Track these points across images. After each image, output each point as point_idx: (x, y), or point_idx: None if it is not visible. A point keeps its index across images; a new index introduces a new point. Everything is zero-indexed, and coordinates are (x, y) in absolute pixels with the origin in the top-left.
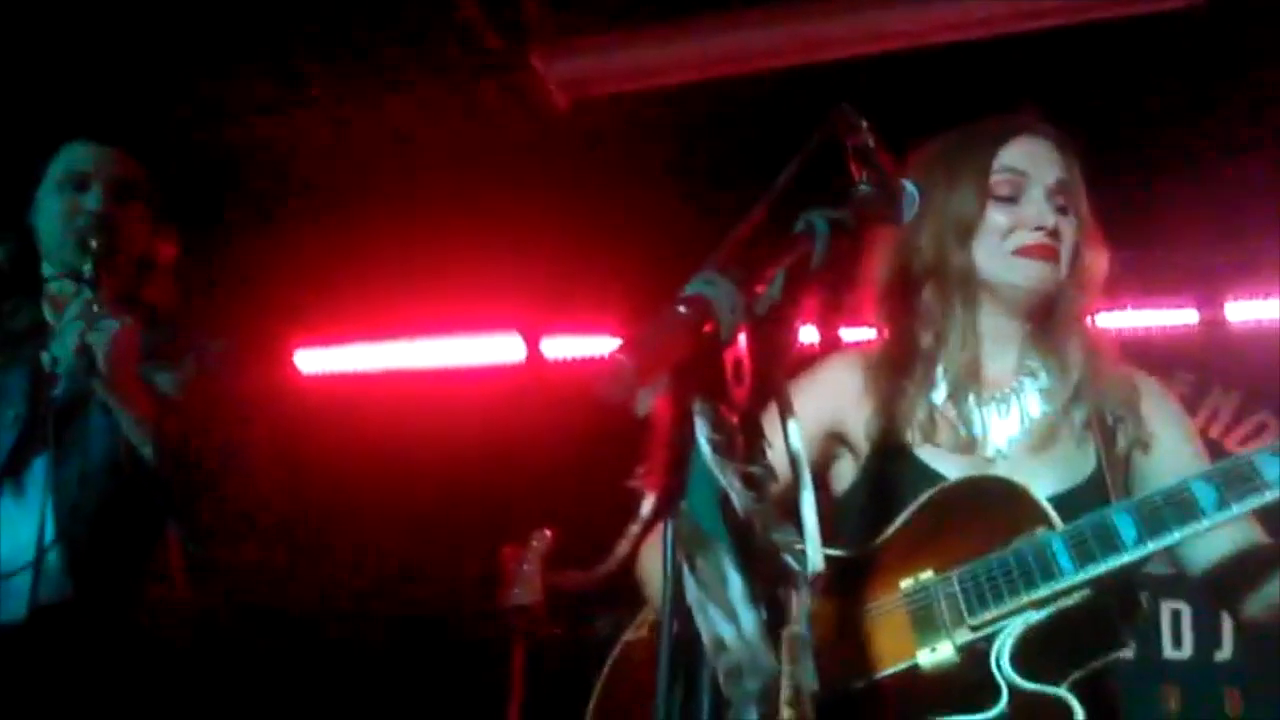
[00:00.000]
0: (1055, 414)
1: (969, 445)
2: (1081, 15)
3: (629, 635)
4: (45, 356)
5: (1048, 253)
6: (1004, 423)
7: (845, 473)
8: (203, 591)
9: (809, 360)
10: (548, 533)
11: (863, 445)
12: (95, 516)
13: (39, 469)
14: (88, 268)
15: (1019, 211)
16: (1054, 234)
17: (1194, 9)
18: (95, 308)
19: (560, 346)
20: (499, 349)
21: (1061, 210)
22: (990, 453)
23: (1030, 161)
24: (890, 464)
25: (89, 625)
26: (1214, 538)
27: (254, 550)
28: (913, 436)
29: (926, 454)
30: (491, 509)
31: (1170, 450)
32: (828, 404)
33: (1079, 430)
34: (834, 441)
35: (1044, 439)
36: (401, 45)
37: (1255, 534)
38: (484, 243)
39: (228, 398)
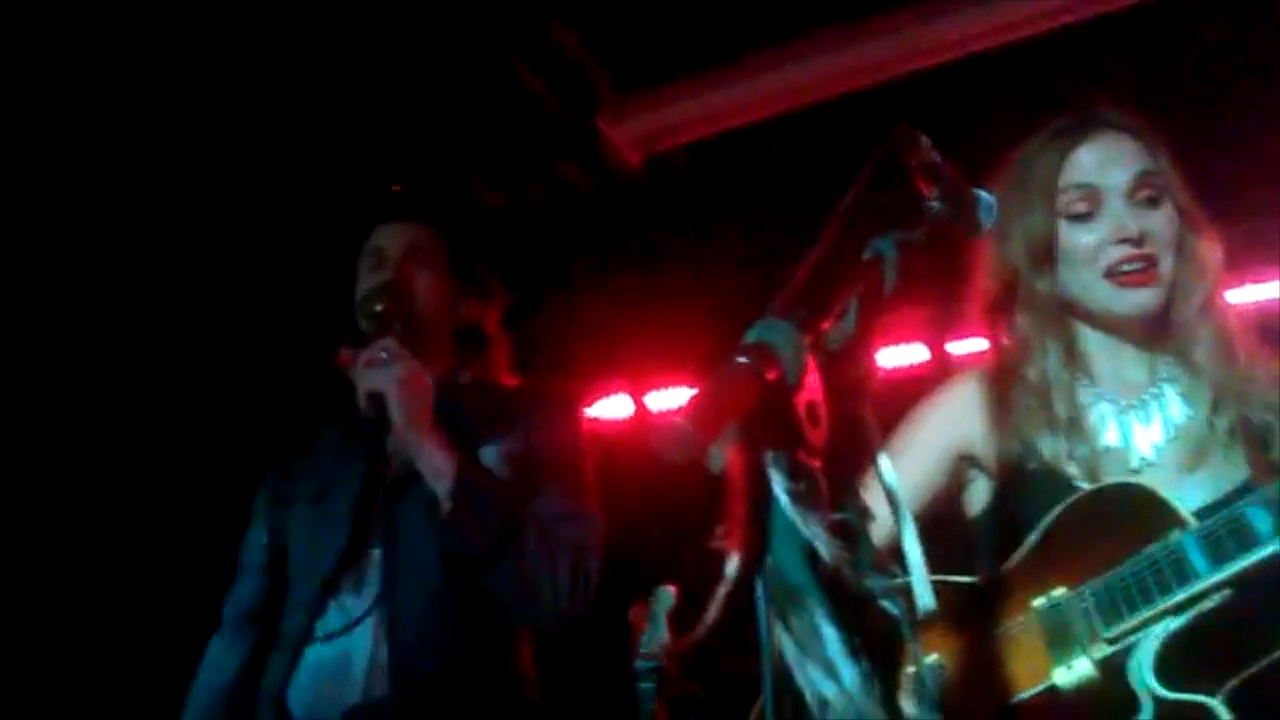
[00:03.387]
0: (1200, 420)
1: (1110, 459)
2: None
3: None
4: (389, 443)
5: (1143, 278)
6: (1147, 431)
7: (980, 495)
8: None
9: (922, 379)
10: (671, 588)
11: (994, 465)
12: (423, 606)
13: (375, 562)
14: (369, 326)
15: (1099, 227)
16: (1140, 241)
17: None
18: (383, 355)
19: (665, 400)
20: (610, 407)
21: (1151, 203)
22: (1135, 463)
23: (1100, 169)
24: (1027, 482)
25: None
26: None
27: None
28: (1049, 451)
29: (1070, 471)
30: (614, 566)
31: None
32: (953, 427)
33: (1225, 437)
34: (965, 464)
35: (1191, 446)
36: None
37: None
38: (587, 309)
39: (558, 454)
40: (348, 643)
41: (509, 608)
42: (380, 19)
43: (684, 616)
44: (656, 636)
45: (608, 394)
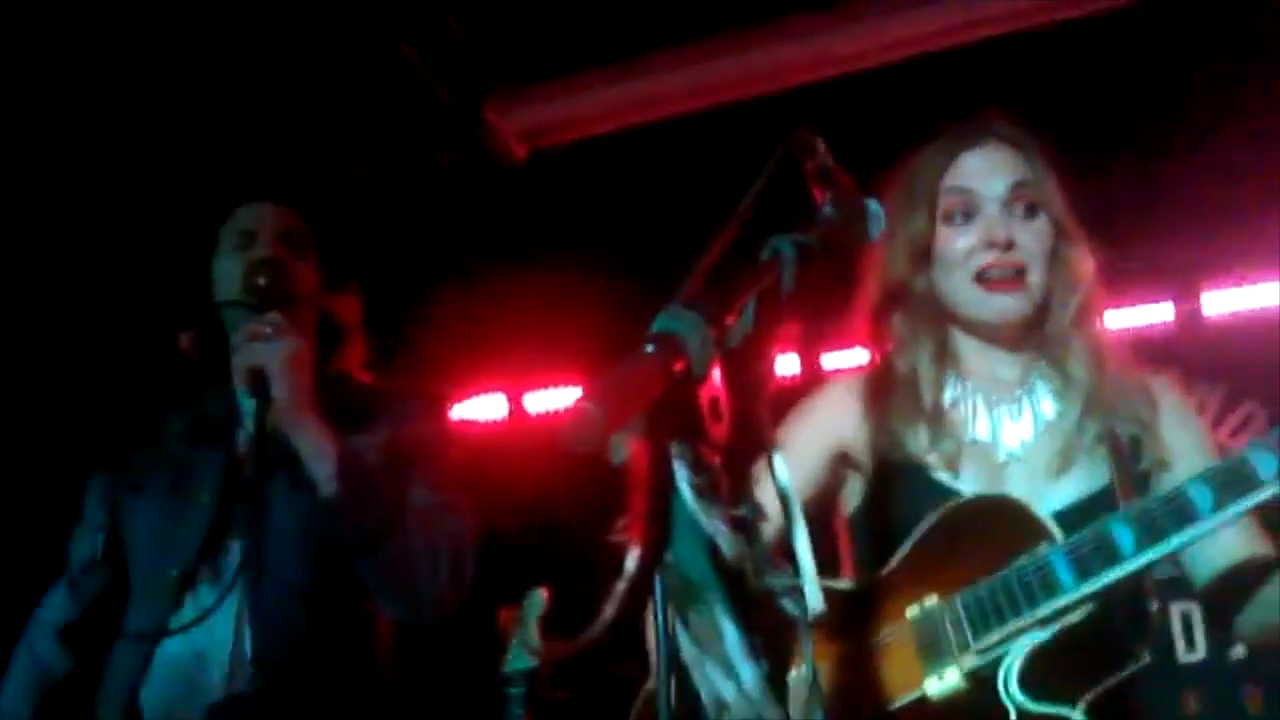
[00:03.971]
0: (1070, 421)
1: (976, 451)
2: (1038, 18)
3: (650, 684)
4: (240, 435)
5: (1011, 285)
6: (1016, 425)
7: (854, 494)
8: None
9: (794, 390)
10: (543, 592)
11: (868, 463)
12: (286, 599)
13: (234, 555)
14: (246, 298)
15: (972, 231)
16: (1009, 247)
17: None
18: (268, 330)
19: (542, 400)
20: (484, 407)
21: (1028, 212)
22: (1002, 457)
23: (979, 175)
24: (895, 480)
25: (279, 717)
26: (1215, 550)
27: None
28: (915, 451)
29: (933, 463)
30: (488, 566)
31: (1189, 464)
32: (829, 426)
33: (1091, 442)
34: (840, 463)
35: (1058, 445)
36: (359, 114)
37: (1257, 546)
38: (462, 305)
39: (425, 449)
40: (204, 638)
41: (383, 598)
42: None
43: (562, 617)
44: (527, 640)
45: (482, 393)
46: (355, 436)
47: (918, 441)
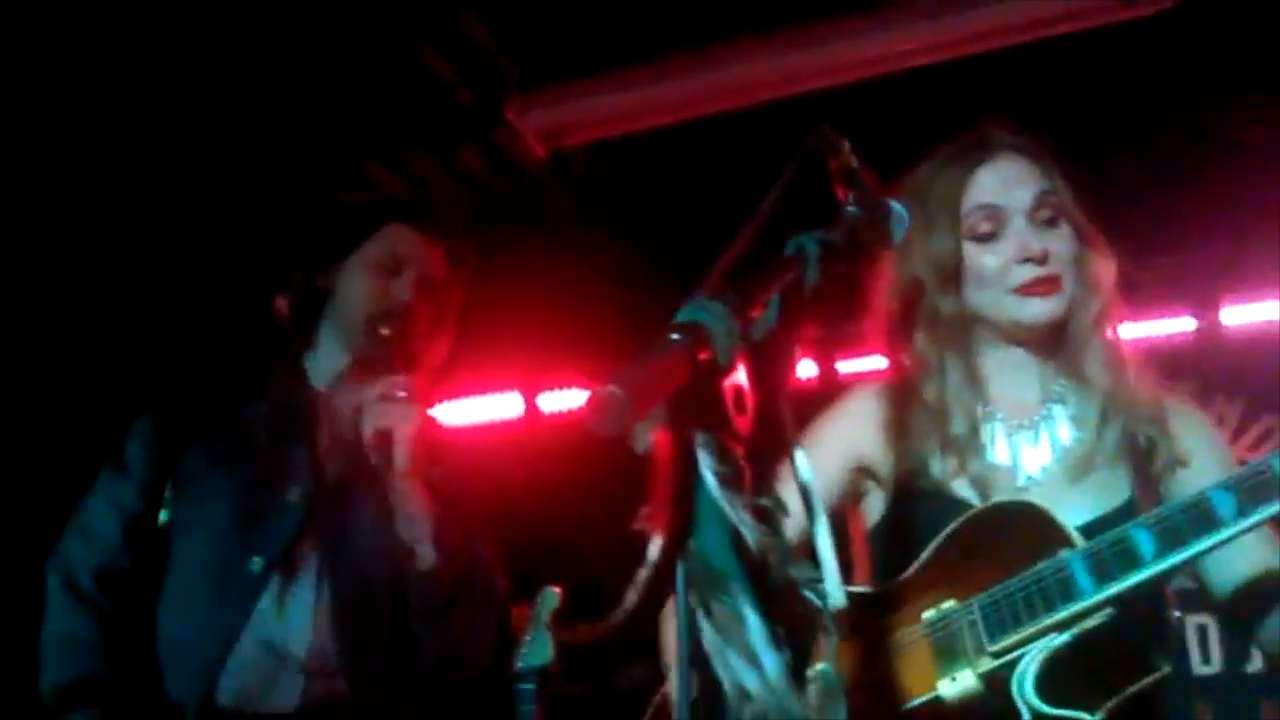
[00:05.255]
0: (1088, 441)
1: (998, 476)
2: (1055, 28)
3: (667, 687)
4: (322, 436)
5: (1048, 287)
6: (1035, 451)
7: (875, 507)
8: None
9: (810, 394)
10: (556, 589)
11: (889, 479)
12: (376, 614)
13: (312, 553)
14: (365, 345)
15: (1003, 247)
16: (1044, 259)
17: (1169, 11)
18: (401, 394)
19: (556, 400)
20: (499, 406)
21: (1050, 223)
22: (1022, 481)
23: (1002, 190)
24: (917, 497)
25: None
26: (1236, 561)
27: None
28: (939, 469)
29: (955, 486)
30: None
31: (1204, 469)
32: (851, 439)
33: (1111, 454)
34: (861, 476)
35: (1077, 466)
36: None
37: (1278, 558)
38: (478, 304)
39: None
40: (281, 633)
41: (425, 651)
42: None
43: (574, 615)
44: (540, 637)
45: (497, 392)
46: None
47: (945, 467)
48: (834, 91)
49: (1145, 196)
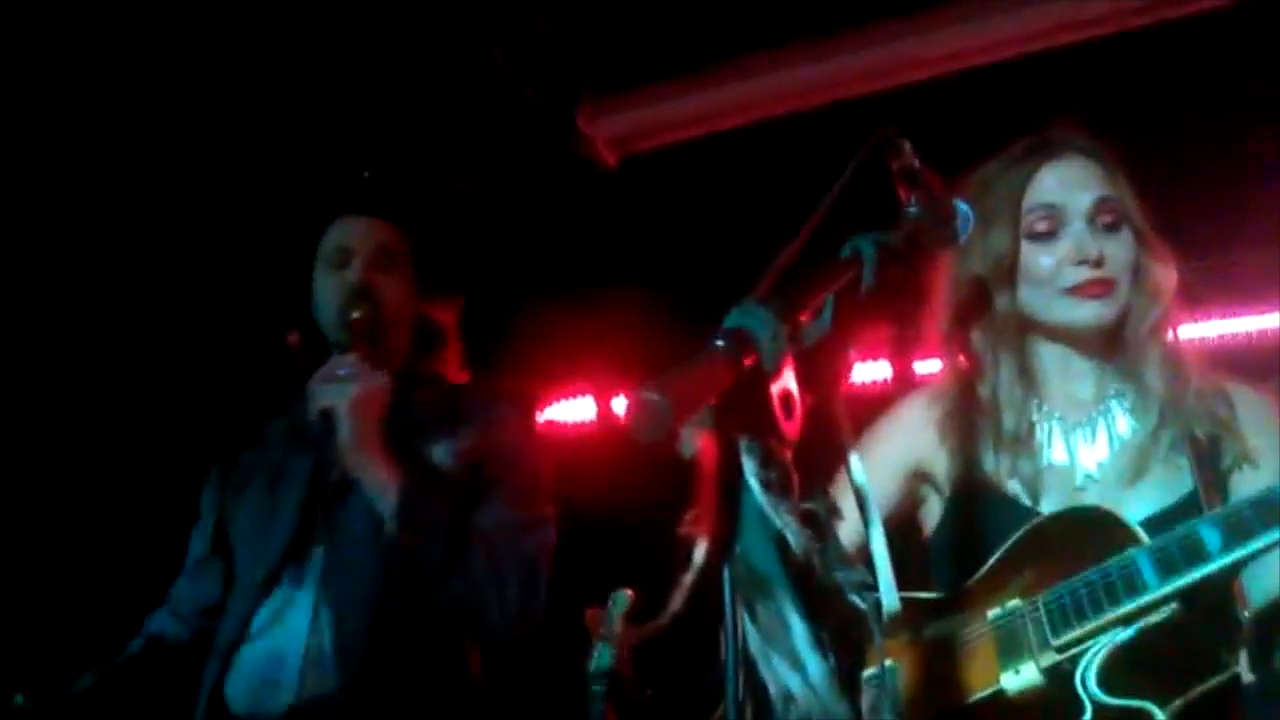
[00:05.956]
0: (1145, 435)
1: (1055, 476)
2: (1126, 23)
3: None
4: (329, 443)
5: (1099, 289)
6: (1092, 448)
7: (934, 513)
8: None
9: (885, 396)
10: (628, 592)
11: (946, 485)
12: (362, 607)
13: (316, 558)
14: (344, 337)
15: (1060, 248)
16: (1099, 263)
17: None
18: (340, 371)
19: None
20: (574, 410)
21: (1110, 228)
22: (1080, 480)
23: (1063, 190)
24: (975, 501)
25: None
26: (1270, 573)
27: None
28: (994, 474)
29: (1013, 488)
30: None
31: (1272, 466)
32: (907, 444)
33: (1168, 451)
34: (919, 481)
35: (1135, 462)
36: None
37: None
38: (554, 309)
39: (512, 457)
40: (281, 636)
41: (454, 623)
42: (364, 6)
43: (649, 618)
44: (612, 639)
45: (572, 396)
46: (440, 441)
47: (998, 467)
48: (897, 92)
49: (1234, 193)
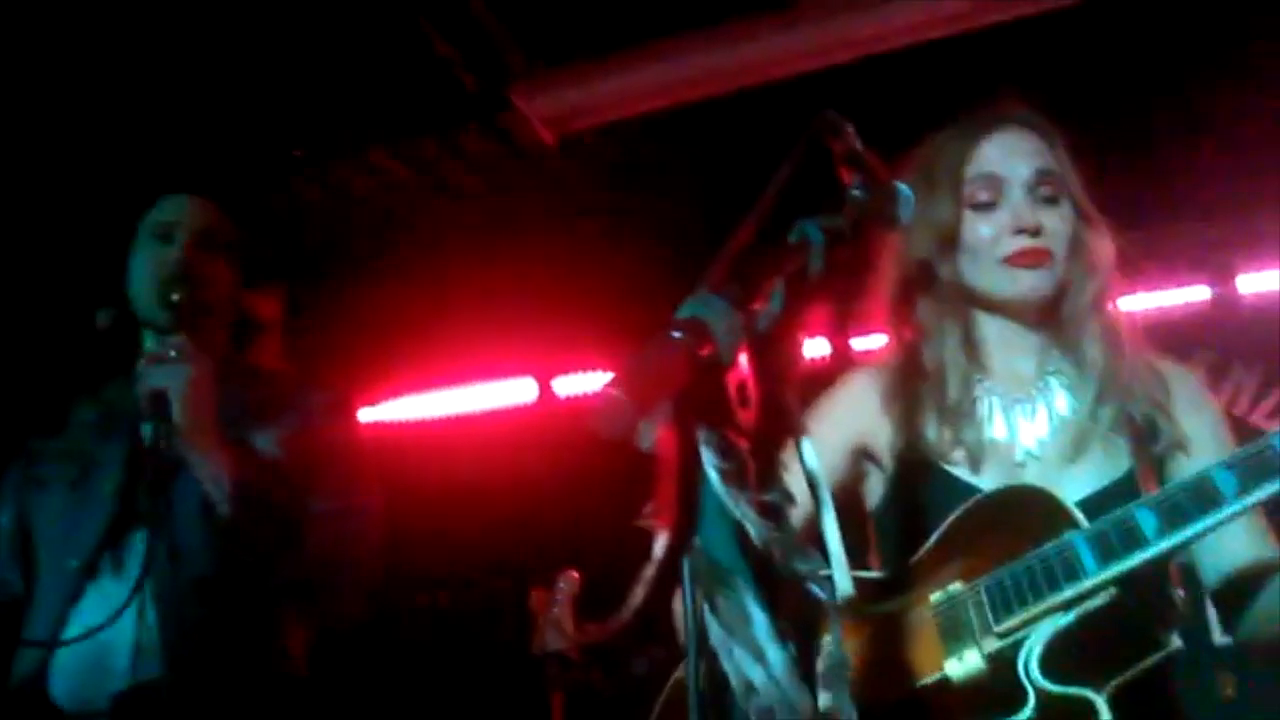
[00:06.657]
0: (1084, 415)
1: (995, 450)
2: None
3: (679, 673)
4: (144, 427)
5: (1035, 258)
6: (1032, 425)
7: (876, 489)
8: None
9: (823, 373)
10: (574, 574)
11: (889, 460)
12: (192, 592)
13: (138, 544)
14: (165, 317)
15: (999, 217)
16: (1037, 232)
17: None
18: (172, 353)
19: (571, 385)
20: (514, 391)
21: (1049, 200)
22: (1019, 456)
23: (1004, 161)
24: (916, 477)
25: (185, 706)
26: (1223, 548)
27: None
28: (936, 447)
29: (952, 464)
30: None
31: (1204, 449)
32: (850, 421)
33: (1107, 430)
34: (861, 458)
35: (1074, 440)
36: (381, 98)
37: (1265, 549)
38: (489, 289)
39: (330, 449)
40: (109, 627)
41: (290, 607)
42: None
43: (596, 601)
44: (557, 622)
45: (512, 377)
46: (263, 430)
47: (940, 438)
48: (841, 69)
49: (1162, 164)
